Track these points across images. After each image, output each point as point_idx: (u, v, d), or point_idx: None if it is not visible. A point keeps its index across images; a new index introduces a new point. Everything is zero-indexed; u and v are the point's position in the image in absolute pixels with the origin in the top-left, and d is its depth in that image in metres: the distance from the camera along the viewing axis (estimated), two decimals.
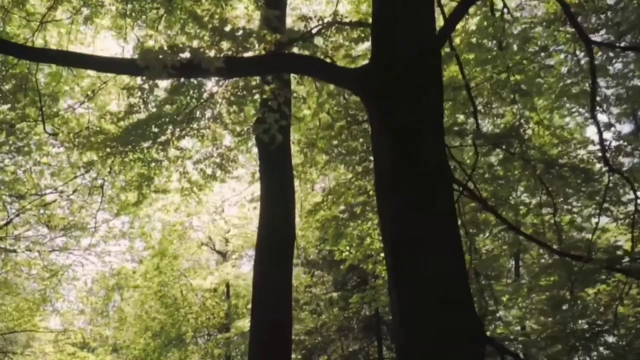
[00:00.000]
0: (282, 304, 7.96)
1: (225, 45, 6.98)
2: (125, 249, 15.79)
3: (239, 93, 8.22)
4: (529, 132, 8.34)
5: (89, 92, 11.21)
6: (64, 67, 8.08)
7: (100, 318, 17.38)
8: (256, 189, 14.88)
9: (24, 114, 10.54)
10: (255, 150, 11.30)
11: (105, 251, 15.71)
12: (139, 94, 7.88)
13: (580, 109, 8.84)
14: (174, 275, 22.14)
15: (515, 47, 8.28)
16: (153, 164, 8.73)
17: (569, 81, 8.66)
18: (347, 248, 10.77)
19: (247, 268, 18.72)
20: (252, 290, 8.31)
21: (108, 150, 8.16)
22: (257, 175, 12.05)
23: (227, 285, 24.62)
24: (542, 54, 8.28)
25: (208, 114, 8.75)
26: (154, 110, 8.27)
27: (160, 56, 5.27)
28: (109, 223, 15.45)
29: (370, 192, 8.73)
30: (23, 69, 10.28)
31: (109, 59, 6.91)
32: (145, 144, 8.36)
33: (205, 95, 8.18)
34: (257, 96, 8.70)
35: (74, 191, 13.59)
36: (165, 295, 21.37)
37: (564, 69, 8.45)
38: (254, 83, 8.19)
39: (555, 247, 7.83)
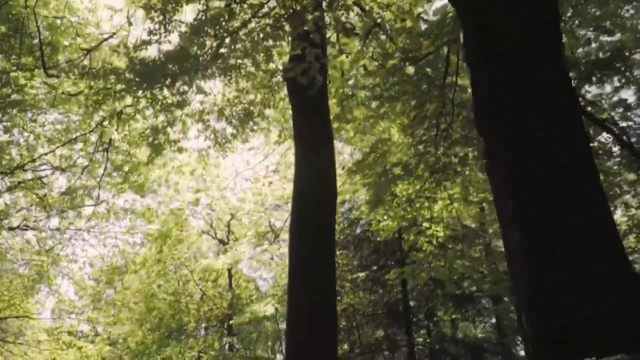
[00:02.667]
0: (325, 281, 6.50)
1: None
2: (127, 228, 14.47)
3: (273, 24, 7.09)
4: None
5: (92, 44, 9.96)
6: None
7: (98, 302, 16.06)
8: (271, 162, 13.73)
9: (20, 63, 9.28)
10: (280, 109, 10.11)
11: (104, 232, 14.44)
12: (161, 17, 6.71)
13: None
14: (175, 264, 21.13)
15: None
16: (170, 109, 7.47)
17: None
18: (384, 218, 9.56)
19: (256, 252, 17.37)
20: (288, 267, 6.82)
21: (120, 86, 6.91)
22: (286, 133, 10.84)
23: (230, 275, 23.63)
24: None
25: (233, 57, 7.59)
26: (176, 44, 7.09)
27: None
28: (110, 202, 14.21)
29: (427, 144, 7.53)
30: (20, 11, 9.02)
31: None
32: (163, 85, 7.13)
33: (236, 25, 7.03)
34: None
35: (72, 165, 12.30)
36: (165, 284, 20.33)
37: None
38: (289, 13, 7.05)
39: None
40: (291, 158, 13.65)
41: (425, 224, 9.39)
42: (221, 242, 23.31)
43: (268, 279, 30.05)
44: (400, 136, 8.57)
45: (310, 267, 6.57)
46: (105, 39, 10.20)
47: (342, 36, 8.82)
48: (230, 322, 17.81)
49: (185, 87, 7.18)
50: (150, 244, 15.24)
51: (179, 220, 17.07)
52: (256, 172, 13.45)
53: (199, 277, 22.30)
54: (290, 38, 7.50)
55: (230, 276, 23.72)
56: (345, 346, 13.12)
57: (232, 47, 7.19)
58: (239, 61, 7.22)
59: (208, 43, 7.14)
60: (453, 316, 14.45)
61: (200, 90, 7.35)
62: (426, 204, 8.89)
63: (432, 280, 13.28)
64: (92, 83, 7.17)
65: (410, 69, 7.43)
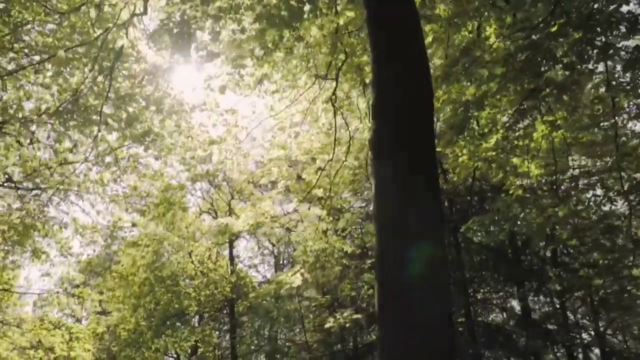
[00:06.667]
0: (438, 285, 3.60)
1: None
2: (130, 187, 12.41)
3: None
4: None
5: None
6: None
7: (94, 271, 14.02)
8: (297, 110, 11.73)
9: None
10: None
11: (100, 191, 12.36)
12: None
13: None
14: (173, 244, 19.43)
15: None
16: None
17: None
18: (463, 152, 7.61)
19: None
20: (376, 259, 3.93)
21: None
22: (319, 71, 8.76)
23: (231, 257, 22.09)
24: None
25: None
26: None
27: None
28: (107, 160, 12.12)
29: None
30: None
31: None
32: None
33: None
34: None
35: (60, 106, 10.16)
36: (160, 272, 18.69)
37: None
38: None
39: None
40: (321, 106, 11.69)
41: (516, 160, 7.50)
42: None
43: (268, 272, 28.24)
44: (497, 40, 6.64)
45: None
46: None
47: None
48: (245, 300, 15.92)
49: None
50: (154, 205, 13.21)
51: (183, 186, 15.08)
52: (281, 121, 11.40)
53: (198, 259, 20.63)
54: None
55: (232, 258, 22.06)
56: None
57: None
58: None
59: None
60: (501, 292, 12.63)
61: None
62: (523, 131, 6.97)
63: (485, 249, 11.43)
64: None
65: None
